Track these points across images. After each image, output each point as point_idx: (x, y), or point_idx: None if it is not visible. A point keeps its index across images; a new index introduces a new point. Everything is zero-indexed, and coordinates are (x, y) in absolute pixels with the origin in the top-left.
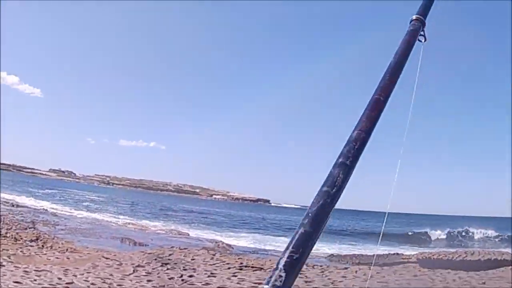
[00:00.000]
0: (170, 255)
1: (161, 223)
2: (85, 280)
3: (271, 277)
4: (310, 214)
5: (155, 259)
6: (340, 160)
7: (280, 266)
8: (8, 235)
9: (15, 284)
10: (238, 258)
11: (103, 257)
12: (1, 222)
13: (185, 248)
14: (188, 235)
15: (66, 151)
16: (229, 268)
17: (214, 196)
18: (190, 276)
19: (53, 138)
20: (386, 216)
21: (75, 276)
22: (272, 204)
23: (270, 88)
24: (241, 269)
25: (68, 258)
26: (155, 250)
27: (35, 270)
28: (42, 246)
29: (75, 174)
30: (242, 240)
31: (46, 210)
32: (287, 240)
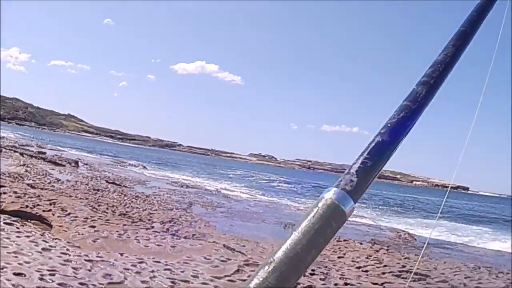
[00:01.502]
0: None
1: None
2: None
3: (341, 180)
4: (389, 125)
5: None
6: (424, 79)
7: (353, 171)
8: (134, 214)
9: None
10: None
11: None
12: (145, 202)
13: None
14: None
15: (268, 137)
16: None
17: (414, 182)
18: None
19: (255, 124)
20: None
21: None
22: (470, 192)
23: None
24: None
25: (173, 247)
26: None
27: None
28: (167, 229)
29: (275, 158)
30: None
31: (219, 191)
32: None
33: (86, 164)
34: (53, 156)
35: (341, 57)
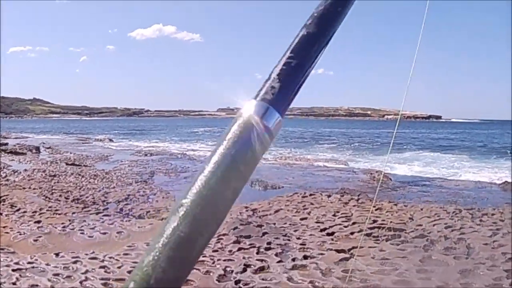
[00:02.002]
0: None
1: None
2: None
3: (260, 89)
4: (315, 14)
5: None
6: None
7: (274, 75)
8: (88, 198)
9: None
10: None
11: None
12: (103, 180)
13: None
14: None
15: (232, 88)
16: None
17: (386, 116)
18: None
19: (219, 78)
20: None
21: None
22: (442, 120)
23: None
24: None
25: (119, 233)
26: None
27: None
28: (121, 210)
29: None
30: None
31: (184, 154)
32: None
33: (49, 148)
34: (14, 145)
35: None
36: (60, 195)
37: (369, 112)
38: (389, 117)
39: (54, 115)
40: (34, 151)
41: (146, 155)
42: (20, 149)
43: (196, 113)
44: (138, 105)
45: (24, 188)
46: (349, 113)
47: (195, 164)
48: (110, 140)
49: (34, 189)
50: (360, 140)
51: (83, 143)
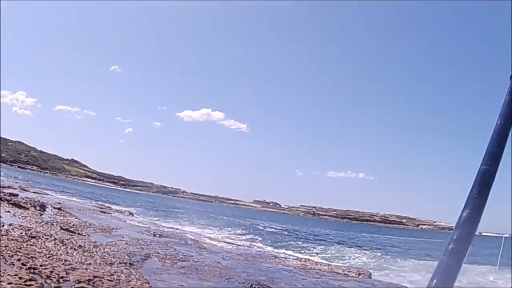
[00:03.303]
0: None
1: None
2: None
3: None
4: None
5: None
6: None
7: None
8: (47, 269)
9: None
10: None
11: None
12: (85, 253)
13: None
14: None
15: (273, 183)
16: None
17: (420, 226)
18: None
19: (260, 171)
20: None
21: None
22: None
23: None
24: None
25: None
26: None
27: None
28: None
29: (280, 205)
30: None
31: (196, 241)
32: None
33: (58, 209)
34: (23, 198)
35: (346, 103)
36: (19, 259)
37: (404, 221)
38: (424, 227)
39: (89, 180)
40: (38, 208)
41: (154, 235)
42: (25, 203)
43: (232, 201)
44: (174, 185)
45: None
46: (384, 219)
47: (201, 254)
48: (130, 213)
49: None
50: (392, 249)
51: (100, 211)
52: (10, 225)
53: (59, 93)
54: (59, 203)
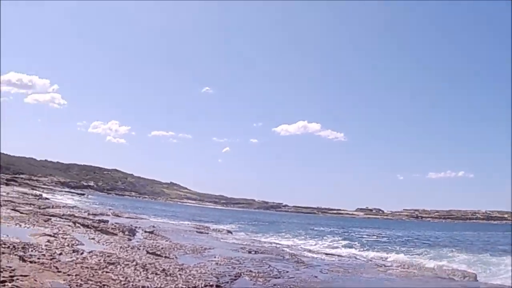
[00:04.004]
0: None
1: None
2: None
3: None
4: None
5: None
6: None
7: None
8: None
9: None
10: None
11: None
12: (167, 277)
13: None
14: None
15: (374, 190)
16: None
17: None
18: None
19: (360, 178)
20: None
21: None
22: None
23: None
24: None
25: None
26: None
27: None
28: None
29: (383, 211)
30: None
31: (294, 255)
32: None
33: (150, 233)
34: (112, 224)
35: (444, 102)
36: None
37: (506, 216)
38: None
39: (189, 201)
40: (127, 233)
41: (250, 252)
42: (113, 228)
43: (334, 211)
44: (276, 199)
45: (58, 272)
46: (487, 216)
47: (298, 269)
48: (229, 231)
49: (68, 275)
50: (497, 247)
51: (197, 231)
52: (90, 252)
53: (153, 119)
54: (153, 226)
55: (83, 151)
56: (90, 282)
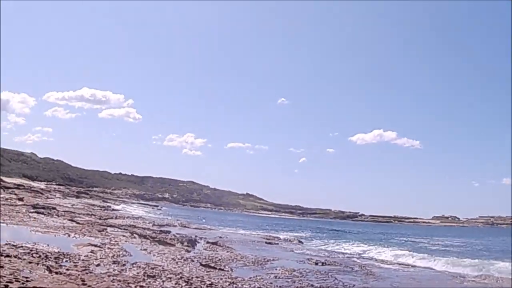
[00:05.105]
0: None
1: None
2: None
3: None
4: None
5: None
6: None
7: None
8: None
9: None
10: None
11: None
12: None
13: None
14: None
15: (450, 197)
16: None
17: None
18: None
19: (436, 186)
20: None
21: None
22: None
23: None
24: None
25: None
26: None
27: None
28: None
29: (459, 218)
30: None
31: (365, 267)
32: None
33: (213, 243)
34: (174, 234)
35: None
36: None
37: None
38: None
39: (265, 212)
40: (186, 244)
41: (316, 263)
42: (171, 239)
43: (411, 220)
44: (352, 209)
45: (82, 284)
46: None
47: (367, 282)
48: (300, 241)
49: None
50: None
51: (266, 242)
52: (133, 264)
53: (229, 131)
54: (220, 237)
55: (159, 164)
56: None
